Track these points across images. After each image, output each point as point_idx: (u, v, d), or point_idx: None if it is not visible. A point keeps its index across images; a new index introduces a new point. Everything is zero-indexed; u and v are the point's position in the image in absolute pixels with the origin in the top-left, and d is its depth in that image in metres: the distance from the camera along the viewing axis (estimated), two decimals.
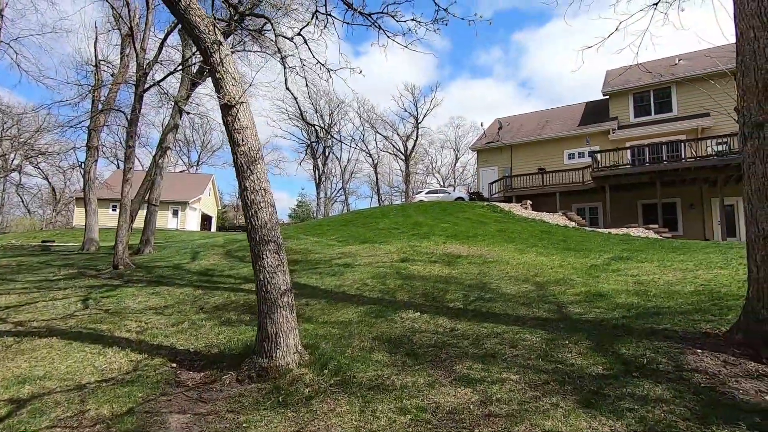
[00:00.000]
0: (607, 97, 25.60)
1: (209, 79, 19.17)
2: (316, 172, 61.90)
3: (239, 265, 12.92)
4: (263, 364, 4.44)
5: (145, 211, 18.79)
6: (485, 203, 23.84)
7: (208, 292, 8.89)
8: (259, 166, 4.78)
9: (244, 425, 3.49)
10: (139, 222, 18.94)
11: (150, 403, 4.02)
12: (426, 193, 31.18)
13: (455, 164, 67.86)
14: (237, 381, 4.41)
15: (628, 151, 21.53)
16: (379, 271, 10.37)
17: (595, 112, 27.32)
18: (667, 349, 4.52)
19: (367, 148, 65.41)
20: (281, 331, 4.53)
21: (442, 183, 66.50)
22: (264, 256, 4.61)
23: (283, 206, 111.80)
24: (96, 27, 22.12)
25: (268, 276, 4.58)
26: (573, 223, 20.11)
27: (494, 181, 27.93)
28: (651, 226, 19.29)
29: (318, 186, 61.90)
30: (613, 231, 18.41)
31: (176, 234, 31.50)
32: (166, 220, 39.80)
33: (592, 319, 5.82)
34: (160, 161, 18.67)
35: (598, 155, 21.62)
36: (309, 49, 6.48)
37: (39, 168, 44.35)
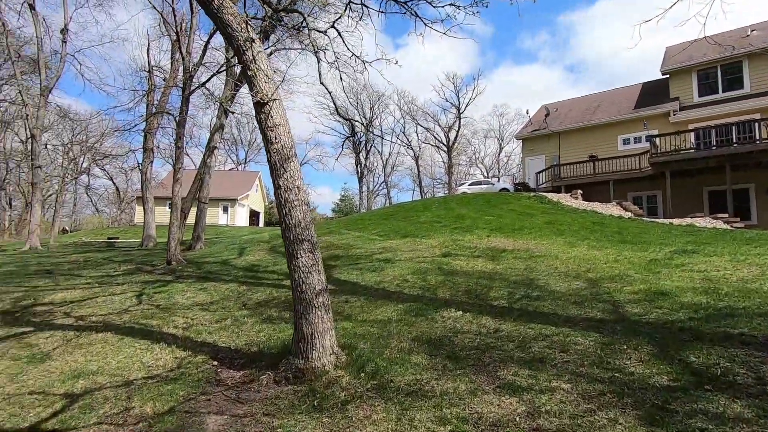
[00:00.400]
0: (667, 76, 23.61)
1: None
2: (358, 166, 62.29)
3: (283, 260, 13.13)
4: (299, 365, 4.38)
5: (196, 208, 19.66)
6: (531, 194, 22.86)
7: (252, 288, 9.07)
8: (292, 163, 4.70)
9: (278, 430, 3.42)
10: (192, 219, 19.84)
11: (190, 402, 4.07)
12: (469, 185, 30.41)
13: (499, 154, 65.92)
14: (274, 382, 4.38)
15: (692, 133, 19.74)
16: (420, 266, 10.13)
17: (652, 93, 25.32)
18: (744, 358, 3.99)
19: (408, 140, 64.92)
20: (317, 332, 4.44)
21: (485, 174, 64.87)
22: (298, 256, 4.53)
23: (326, 201, 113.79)
24: (148, 34, 23.27)
25: (302, 276, 4.50)
26: (629, 214, 18.77)
27: (541, 171, 26.71)
28: (719, 215, 17.59)
29: (360, 180, 62.32)
30: (675, 221, 16.98)
31: (226, 230, 32.90)
32: (216, 216, 41.63)
33: (653, 320, 5.28)
34: (209, 160, 19.42)
35: (657, 139, 20.00)
36: (343, 41, 6.32)
37: (104, 170, 47.87)
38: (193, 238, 18.90)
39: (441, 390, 3.93)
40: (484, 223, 16.40)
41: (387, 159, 65.43)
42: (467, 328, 5.70)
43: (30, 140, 25.18)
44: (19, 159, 37.00)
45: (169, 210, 39.72)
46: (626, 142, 24.49)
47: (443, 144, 61.53)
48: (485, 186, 28.69)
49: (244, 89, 19.78)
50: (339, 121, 60.45)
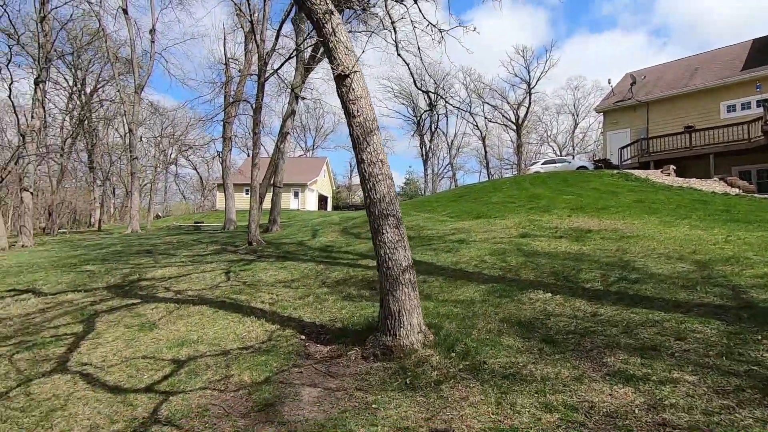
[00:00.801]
0: None
1: (320, 64, 19.93)
2: (423, 148, 61.57)
3: (355, 241, 13.33)
4: (387, 342, 4.31)
5: (271, 193, 20.61)
6: (615, 171, 20.99)
7: (329, 267, 9.26)
8: (375, 137, 4.56)
9: (373, 406, 3.37)
10: (267, 204, 20.86)
11: (284, 373, 4.18)
12: (542, 164, 28.70)
13: (574, 130, 61.49)
14: (362, 358, 4.36)
15: None
16: (497, 247, 9.69)
17: (766, 50, 21.82)
18: None
19: (474, 120, 62.69)
20: (404, 309, 4.33)
21: (558, 152, 61.00)
22: (384, 231, 4.42)
23: None
24: (224, 28, 24.51)
25: (388, 252, 4.39)
26: (736, 190, 16.52)
27: (626, 146, 24.38)
28: None
29: (425, 163, 61.64)
30: None
31: (297, 213, 34.30)
32: (288, 201, 43.54)
33: None
34: (282, 146, 20.17)
35: None
36: (419, 9, 6.02)
37: (189, 160, 52.06)
38: (269, 221, 19.88)
39: (541, 375, 3.64)
40: (563, 202, 15.34)
41: (452, 140, 63.88)
42: (560, 311, 5.28)
43: (128, 134, 27.91)
44: (120, 152, 41.34)
45: (246, 195, 42.11)
46: (731, 109, 21.49)
47: (512, 122, 58.64)
48: (560, 164, 26.86)
49: (314, 74, 20.14)
50: (404, 103, 59.83)
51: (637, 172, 19.88)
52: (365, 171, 4.50)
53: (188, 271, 10.00)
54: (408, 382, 3.71)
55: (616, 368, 3.66)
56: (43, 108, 22.01)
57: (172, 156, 49.79)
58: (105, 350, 5.11)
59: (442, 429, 2.95)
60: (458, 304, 5.89)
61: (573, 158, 36.55)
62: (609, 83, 29.13)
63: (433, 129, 61.91)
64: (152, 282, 9.04)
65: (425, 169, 62.46)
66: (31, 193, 20.45)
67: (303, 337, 5.17)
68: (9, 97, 18.92)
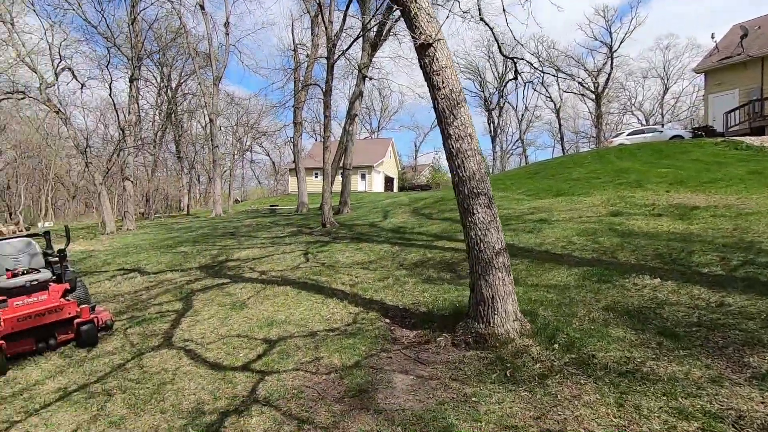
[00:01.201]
0: None
1: (386, 42, 19.54)
2: (491, 125, 59.02)
3: (427, 222, 13.08)
4: (480, 329, 4.04)
5: (340, 176, 20.94)
6: (719, 139, 18.43)
7: (404, 248, 9.12)
8: (462, 109, 4.21)
9: (472, 399, 3.15)
10: (336, 186, 21.21)
11: (373, 358, 4.10)
12: (627, 135, 26.11)
13: (663, 96, 55.14)
14: (452, 345, 4.15)
15: None
16: (585, 227, 8.89)
17: None
18: None
19: (547, 91, 58.59)
20: (498, 295, 4.02)
21: (644, 121, 55.21)
22: (474, 211, 4.10)
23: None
24: (291, 14, 24.93)
25: (480, 233, 4.08)
26: None
27: (733, 110, 21.25)
28: None
29: (493, 140, 59.15)
30: None
31: (365, 195, 34.71)
32: (355, 183, 44.22)
33: None
34: (350, 128, 20.29)
35: None
36: None
37: (262, 147, 54.86)
38: (340, 203, 20.26)
39: (667, 374, 3.16)
40: (657, 176, 13.77)
41: (522, 115, 60.40)
42: (674, 299, 4.64)
43: (209, 124, 29.82)
44: (202, 142, 44.52)
45: (316, 179, 43.40)
46: None
47: (590, 91, 53.90)
48: (650, 134, 24.17)
49: (379, 54, 19.82)
50: (470, 78, 57.49)
51: (748, 140, 17.28)
52: (452, 147, 4.18)
53: (269, 252, 10.43)
54: (508, 375, 3.43)
55: (765, 370, 3.07)
56: (138, 104, 24.16)
57: (247, 143, 52.76)
58: (203, 327, 5.41)
59: (557, 431, 2.64)
60: (550, 289, 5.43)
61: (663, 127, 32.83)
62: (712, 38, 25.41)
63: (501, 104, 58.96)
64: (238, 263, 9.55)
65: (493, 147, 59.98)
66: (132, 181, 22.71)
67: (387, 320, 5.07)
68: (110, 95, 20.93)
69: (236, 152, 46.28)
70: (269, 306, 6.06)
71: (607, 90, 53.22)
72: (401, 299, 5.79)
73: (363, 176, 45.93)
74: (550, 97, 58.09)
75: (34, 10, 18.49)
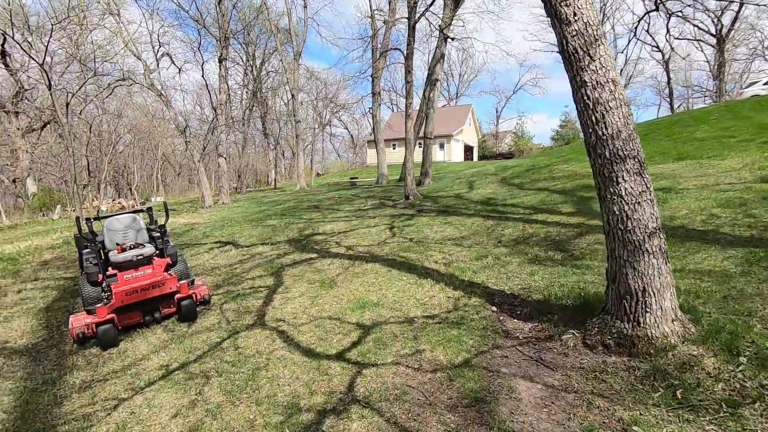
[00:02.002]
0: None
1: None
2: None
3: (519, 193, 11.91)
4: (624, 329, 3.20)
5: (420, 145, 20.14)
6: None
7: (499, 222, 8.25)
8: (601, 48, 3.24)
9: (633, 429, 2.39)
10: (416, 156, 20.46)
11: (485, 356, 3.48)
12: (765, 83, 21.69)
13: None
14: (584, 345, 3.37)
15: None
16: (728, 196, 7.26)
17: None
18: None
19: (653, 40, 50.92)
20: (651, 287, 3.13)
21: None
22: (618, 179, 3.18)
23: (542, 130, 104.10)
24: None
25: (626, 208, 3.17)
26: None
27: None
28: None
29: None
30: None
31: (444, 165, 33.55)
32: (434, 153, 42.97)
33: None
34: (431, 95, 19.24)
35: None
36: None
37: (341, 120, 55.54)
38: (421, 174, 19.56)
39: None
40: None
41: (621, 69, 53.43)
42: None
43: (291, 100, 30.54)
44: (285, 118, 46.18)
45: (394, 150, 42.91)
46: None
47: (710, 35, 45.69)
48: None
49: (462, 10, 18.24)
50: None
51: None
52: (587, 97, 3.26)
53: (354, 226, 10.20)
54: (679, 396, 2.60)
55: None
56: (227, 83, 25.32)
57: (327, 117, 53.72)
58: (294, 306, 5.21)
59: None
60: (703, 276, 4.30)
61: None
62: None
63: None
64: (324, 236, 9.43)
65: None
66: (225, 158, 24.16)
67: (494, 308, 4.40)
68: (202, 76, 22.12)
69: (317, 126, 47.36)
70: (359, 285, 5.70)
71: (731, 33, 44.69)
72: (506, 283, 5.05)
73: (441, 146, 44.43)
74: (657, 47, 50.43)
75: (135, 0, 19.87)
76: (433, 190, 16.37)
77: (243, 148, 40.16)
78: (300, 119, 30.19)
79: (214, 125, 23.44)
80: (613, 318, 3.30)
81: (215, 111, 23.37)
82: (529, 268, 5.40)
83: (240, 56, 40.27)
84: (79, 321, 4.78)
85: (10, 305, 6.62)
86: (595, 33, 3.27)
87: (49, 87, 13.40)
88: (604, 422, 2.49)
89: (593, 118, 3.26)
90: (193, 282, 6.04)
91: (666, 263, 3.19)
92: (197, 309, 5.46)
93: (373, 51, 23.85)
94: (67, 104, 15.85)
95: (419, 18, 12.59)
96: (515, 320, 4.10)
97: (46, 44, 13.22)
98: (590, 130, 3.31)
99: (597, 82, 3.24)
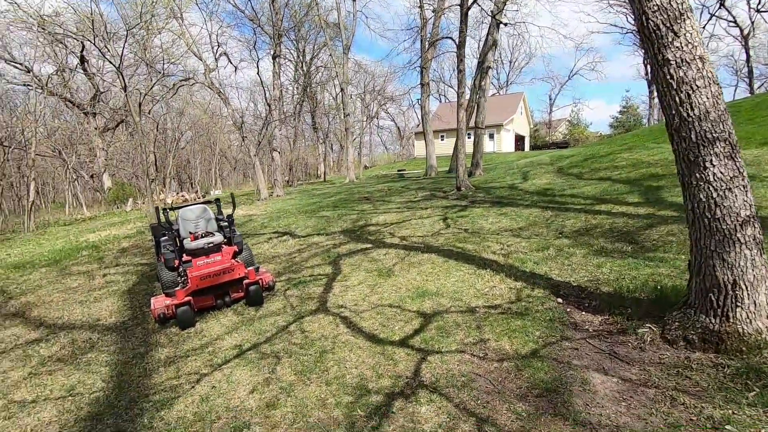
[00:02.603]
0: None
1: None
2: (647, 65, 49.52)
3: (579, 183, 11.38)
4: (710, 325, 3.00)
5: (470, 136, 19.75)
6: None
7: (559, 213, 7.95)
8: (687, 22, 3.01)
9: (726, 428, 2.25)
10: (467, 147, 20.09)
11: (553, 347, 3.40)
12: None
13: None
14: (663, 340, 3.19)
15: None
16: None
17: None
18: None
19: (730, 14, 46.31)
20: (743, 280, 2.90)
21: None
22: (705, 164, 2.97)
23: (599, 117, 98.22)
24: None
25: (714, 195, 2.95)
26: None
27: None
28: None
29: (650, 84, 49.80)
30: None
31: (494, 156, 32.70)
32: (483, 143, 41.98)
33: None
34: (482, 83, 18.77)
35: None
36: None
37: (387, 112, 55.66)
38: (472, 165, 19.21)
39: None
40: None
41: None
42: None
43: (340, 93, 31.02)
44: (334, 112, 47.03)
45: (442, 141, 42.37)
46: None
47: None
48: None
49: None
50: (624, 12, 48.76)
51: None
52: (671, 76, 3.05)
53: (406, 217, 10.24)
54: None
55: None
56: (280, 80, 26.14)
57: (374, 110, 54.04)
58: (354, 294, 5.35)
59: None
60: None
61: None
62: None
63: None
64: (377, 227, 9.55)
65: (650, 94, 50.61)
66: (278, 152, 25.04)
67: (560, 300, 4.27)
68: (257, 74, 22.97)
69: (364, 119, 47.82)
70: (416, 275, 5.74)
71: None
72: (572, 275, 4.88)
73: (491, 136, 43.27)
74: (735, 21, 45.77)
75: (197, 4, 21.00)
76: (484, 181, 16.04)
77: (294, 143, 41.41)
78: (349, 112, 30.59)
79: (268, 120, 24.36)
80: (697, 312, 3.09)
81: (269, 106, 24.25)
82: (596, 260, 5.17)
83: (291, 52, 41.43)
84: (160, 303, 5.20)
85: (98, 287, 7.31)
86: (680, 7, 3.04)
87: (125, 89, 14.52)
88: (691, 419, 2.36)
89: (677, 98, 3.05)
90: (258, 269, 6.37)
91: (761, 254, 2.93)
92: (263, 294, 5.75)
93: (422, 41, 23.59)
94: (140, 104, 17.10)
95: (472, 4, 12.28)
96: (583, 313, 3.96)
97: (121, 49, 14.32)
98: (673, 112, 3.10)
99: (682, 59, 3.02)
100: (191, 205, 6.79)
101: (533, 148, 48.60)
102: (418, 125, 46.27)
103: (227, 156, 53.46)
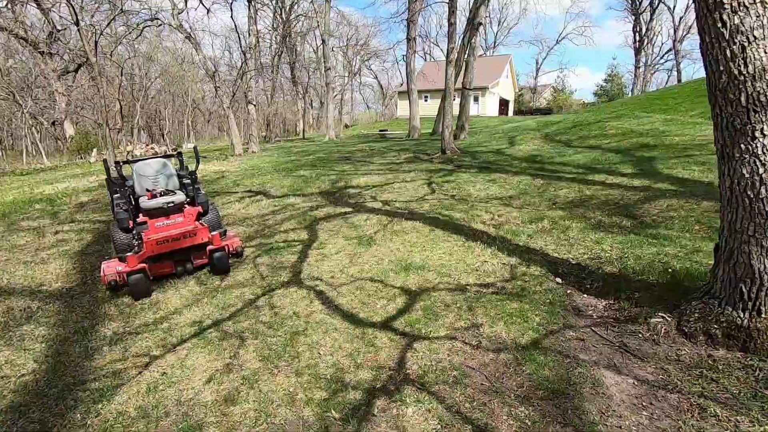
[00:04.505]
0: None
1: None
2: (637, 33, 48.77)
3: (568, 151, 10.98)
4: (738, 319, 2.64)
5: (456, 98, 18.93)
6: None
7: (551, 182, 7.54)
8: None
9: None
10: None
11: (555, 336, 3.02)
12: None
13: None
14: (680, 333, 2.84)
15: None
16: None
17: None
18: None
19: None
20: None
21: None
22: (755, 133, 2.49)
23: (583, 85, 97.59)
24: None
25: (761, 170, 2.50)
26: None
27: None
28: None
29: (637, 52, 49.19)
30: None
31: (477, 120, 31.95)
32: (470, 105, 40.99)
33: None
34: (472, 40, 17.77)
35: None
36: None
37: (370, 69, 53.45)
38: (457, 128, 18.53)
39: None
40: None
41: (681, 17, 48.39)
42: None
43: (321, 46, 29.22)
44: (314, 66, 44.70)
45: (426, 102, 41.09)
46: None
47: None
48: None
49: None
50: None
51: None
52: (723, 23, 2.50)
53: (388, 180, 9.67)
54: None
55: None
56: (256, 26, 24.22)
57: (356, 66, 51.75)
58: (331, 265, 4.85)
59: None
60: None
61: None
62: None
63: (654, 5, 47.71)
64: (358, 190, 8.97)
65: (636, 62, 50.08)
66: (254, 105, 23.60)
67: (559, 280, 3.88)
68: (231, 17, 21.12)
69: (346, 75, 45.76)
70: (400, 244, 5.27)
71: None
72: (570, 251, 4.49)
73: (476, 99, 42.23)
74: None
75: None
76: (470, 144, 15.48)
77: (271, 97, 39.35)
78: (330, 66, 28.96)
79: (243, 70, 22.72)
80: (723, 304, 2.73)
81: (244, 55, 22.55)
82: (594, 234, 4.79)
83: None
84: (111, 268, 4.58)
85: (48, 246, 6.57)
86: None
87: (77, 23, 12.95)
88: None
89: (728, 52, 2.52)
90: (225, 233, 5.75)
91: None
92: (230, 261, 5.19)
93: None
94: (96, 42, 15.44)
95: None
96: (585, 296, 3.59)
97: None
98: (720, 68, 2.58)
99: (739, 3, 2.46)
100: (149, 158, 6.01)
101: (517, 113, 47.98)
102: (402, 84, 44.64)
103: (201, 108, 50.72)
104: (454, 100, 15.85)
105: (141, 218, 5.29)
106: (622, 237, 4.57)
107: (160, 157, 6.09)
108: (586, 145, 11.36)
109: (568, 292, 3.67)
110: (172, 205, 5.33)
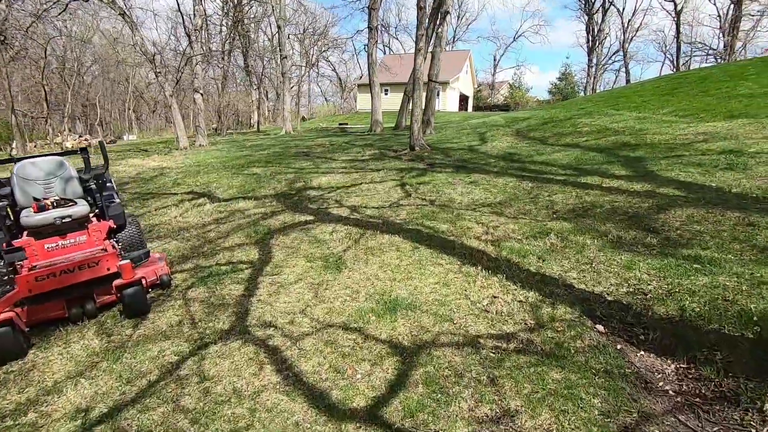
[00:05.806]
0: None
1: None
2: (590, 33, 50.19)
3: (546, 149, 10.27)
4: None
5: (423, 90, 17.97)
6: None
7: (540, 185, 6.67)
8: None
9: None
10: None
11: None
12: None
13: None
14: None
15: None
16: None
17: None
18: None
19: None
20: None
21: None
22: None
23: (536, 84, 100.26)
24: None
25: None
26: None
27: None
28: None
29: (590, 52, 50.65)
30: None
31: (439, 115, 31.31)
32: (435, 99, 40.36)
33: None
34: (439, 30, 16.84)
35: None
36: None
37: (328, 61, 51.48)
38: (423, 122, 17.60)
39: None
40: None
41: (630, 19, 50.24)
42: None
43: (276, 33, 27.30)
44: (270, 55, 42.26)
45: (386, 96, 39.97)
46: None
47: None
48: None
49: None
50: None
51: None
52: None
53: (354, 180, 8.50)
54: None
55: None
56: (203, 5, 22.03)
57: (314, 57, 49.70)
58: (289, 300, 3.65)
59: None
60: None
61: None
62: None
63: (606, 6, 49.20)
64: (320, 192, 7.74)
65: (589, 61, 51.62)
66: (202, 94, 21.47)
67: (600, 328, 2.90)
68: None
69: (304, 66, 43.66)
70: (378, 268, 4.14)
71: None
72: (598, 281, 3.53)
73: (437, 93, 41.71)
74: None
75: None
76: (438, 140, 14.56)
77: (223, 86, 36.69)
78: (286, 55, 27.14)
79: (189, 55, 20.52)
80: None
81: (189, 38, 20.39)
82: (619, 256, 3.88)
83: None
84: None
85: None
86: None
87: None
88: None
89: None
90: (147, 255, 4.38)
91: None
92: (150, 296, 3.87)
93: None
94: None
95: None
96: (643, 353, 2.63)
97: None
98: None
99: None
100: (37, 156, 4.47)
101: (476, 109, 48.04)
102: (361, 77, 43.17)
103: (144, 96, 46.79)
104: (425, 92, 14.89)
105: (23, 239, 3.82)
106: (657, 261, 3.68)
107: (56, 154, 4.56)
108: (563, 143, 10.72)
109: (619, 348, 2.70)
110: (69, 220, 3.91)
